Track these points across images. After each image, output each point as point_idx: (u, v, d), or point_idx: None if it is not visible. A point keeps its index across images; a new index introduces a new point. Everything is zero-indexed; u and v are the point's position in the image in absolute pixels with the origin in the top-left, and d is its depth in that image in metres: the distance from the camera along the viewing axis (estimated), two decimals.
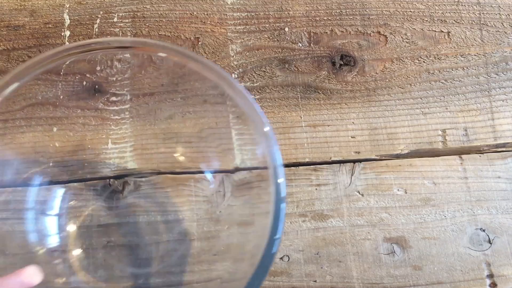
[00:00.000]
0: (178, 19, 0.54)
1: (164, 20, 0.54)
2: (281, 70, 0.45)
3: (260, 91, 0.50)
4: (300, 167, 0.50)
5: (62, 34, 0.54)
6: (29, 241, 0.43)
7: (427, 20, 0.55)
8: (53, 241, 0.45)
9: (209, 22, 0.53)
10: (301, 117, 0.51)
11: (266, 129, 0.36)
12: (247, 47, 0.50)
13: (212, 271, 0.43)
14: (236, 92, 0.37)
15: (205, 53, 0.51)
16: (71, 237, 0.45)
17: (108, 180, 0.48)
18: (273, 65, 0.47)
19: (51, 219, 0.45)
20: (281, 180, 0.35)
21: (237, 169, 0.48)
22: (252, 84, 0.51)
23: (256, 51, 0.51)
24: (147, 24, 0.53)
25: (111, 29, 0.53)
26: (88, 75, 0.49)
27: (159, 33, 0.52)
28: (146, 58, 0.51)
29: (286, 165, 0.50)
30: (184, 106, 0.50)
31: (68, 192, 0.46)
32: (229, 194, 0.48)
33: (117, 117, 0.49)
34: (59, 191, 0.46)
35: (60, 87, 0.44)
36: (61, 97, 0.45)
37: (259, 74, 0.50)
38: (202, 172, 0.49)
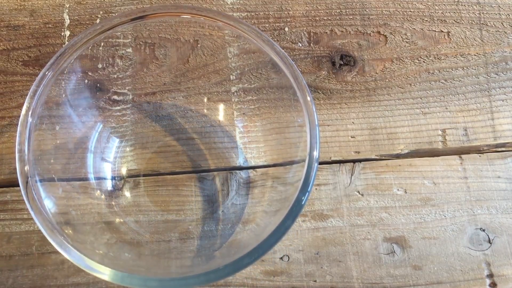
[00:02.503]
0: (178, 19, 0.54)
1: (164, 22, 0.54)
2: (276, 73, 0.46)
3: (257, 92, 0.50)
4: None
5: (62, 34, 0.54)
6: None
7: (427, 20, 0.55)
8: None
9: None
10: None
11: (308, 98, 0.41)
12: (244, 49, 0.50)
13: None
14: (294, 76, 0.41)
15: (204, 55, 0.51)
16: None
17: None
18: (268, 68, 0.47)
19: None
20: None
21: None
22: (249, 86, 0.51)
23: (253, 54, 0.51)
24: (147, 26, 0.53)
25: None
26: (90, 73, 0.49)
27: (159, 35, 0.52)
28: (148, 54, 0.51)
29: (285, 164, 0.50)
30: (186, 104, 0.50)
31: None
32: (233, 193, 0.48)
33: (118, 113, 0.49)
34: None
35: (62, 85, 0.44)
36: (63, 95, 0.45)
37: (255, 76, 0.50)
38: (204, 171, 0.49)
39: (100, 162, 0.48)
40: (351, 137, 0.52)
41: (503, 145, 0.52)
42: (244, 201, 0.48)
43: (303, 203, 0.38)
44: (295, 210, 0.38)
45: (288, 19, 0.54)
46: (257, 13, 0.54)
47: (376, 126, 0.52)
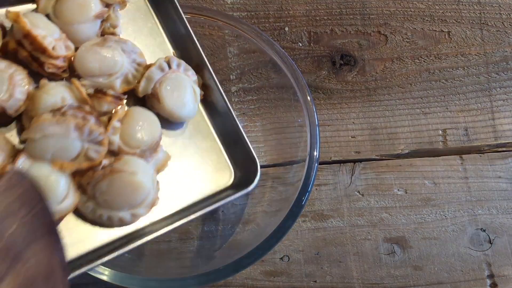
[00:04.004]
0: None
1: None
2: (276, 73, 0.46)
3: (257, 92, 0.50)
4: None
5: None
6: None
7: (427, 20, 0.55)
8: None
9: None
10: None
11: (309, 98, 0.42)
12: (244, 49, 0.50)
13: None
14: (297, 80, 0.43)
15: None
16: None
17: None
18: (268, 67, 0.47)
19: None
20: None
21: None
22: (249, 86, 0.50)
23: (253, 54, 0.50)
24: None
25: None
26: None
27: None
28: None
29: (285, 164, 0.49)
30: None
31: None
32: None
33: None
34: None
35: None
36: None
37: (255, 76, 0.50)
38: None
39: None
40: (352, 137, 0.51)
41: (504, 145, 0.52)
42: (244, 201, 0.48)
43: (303, 203, 0.38)
44: (295, 211, 0.38)
45: (288, 19, 0.54)
46: (257, 12, 0.54)
47: (376, 126, 0.52)
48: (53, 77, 0.33)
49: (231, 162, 0.38)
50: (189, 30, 0.37)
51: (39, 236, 0.26)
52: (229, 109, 0.37)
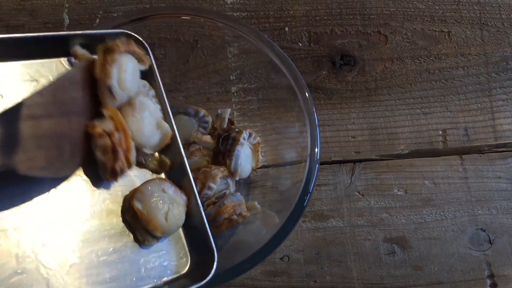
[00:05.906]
0: (177, 19, 0.53)
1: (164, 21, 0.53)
2: (276, 73, 0.46)
3: (257, 92, 0.50)
4: None
5: None
6: None
7: (427, 20, 0.55)
8: None
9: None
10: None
11: (308, 98, 0.42)
12: (243, 49, 0.50)
13: None
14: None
15: (204, 55, 0.51)
16: None
17: None
18: (268, 68, 0.47)
19: None
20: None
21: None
22: (249, 86, 0.50)
23: (253, 54, 0.50)
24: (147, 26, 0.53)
25: None
26: None
27: (159, 35, 0.52)
28: None
29: (285, 164, 0.49)
30: (186, 104, 0.50)
31: None
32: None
33: None
34: None
35: None
36: None
37: (255, 76, 0.50)
38: None
39: None
40: (352, 137, 0.51)
41: (504, 145, 0.52)
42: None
43: (305, 204, 0.38)
44: (297, 213, 0.38)
45: (288, 19, 0.54)
46: (257, 13, 0.54)
47: (376, 126, 0.52)
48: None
49: (188, 248, 0.37)
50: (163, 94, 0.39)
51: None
52: (195, 194, 0.36)
